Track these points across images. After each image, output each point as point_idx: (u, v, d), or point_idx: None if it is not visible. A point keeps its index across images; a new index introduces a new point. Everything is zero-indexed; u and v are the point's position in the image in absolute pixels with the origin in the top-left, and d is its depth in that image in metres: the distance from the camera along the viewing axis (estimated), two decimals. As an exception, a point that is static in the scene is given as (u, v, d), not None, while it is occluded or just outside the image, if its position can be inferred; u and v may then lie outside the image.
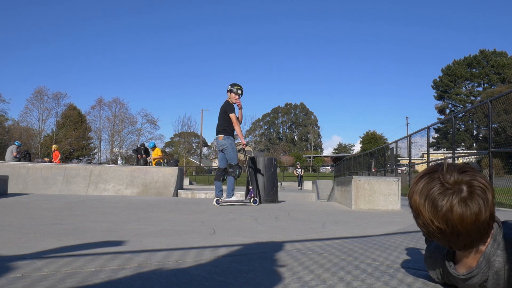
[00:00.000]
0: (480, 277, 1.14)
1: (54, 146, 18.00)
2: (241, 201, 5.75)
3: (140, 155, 15.05)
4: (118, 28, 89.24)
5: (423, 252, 1.94)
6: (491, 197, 1.07)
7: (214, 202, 5.54)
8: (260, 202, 6.03)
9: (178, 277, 1.36)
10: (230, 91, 5.83)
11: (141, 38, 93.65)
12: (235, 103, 5.79)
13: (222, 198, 5.63)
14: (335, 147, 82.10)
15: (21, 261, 1.57)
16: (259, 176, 6.34)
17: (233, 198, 5.64)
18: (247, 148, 6.13)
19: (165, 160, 19.29)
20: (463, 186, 1.07)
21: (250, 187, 5.90)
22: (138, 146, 16.74)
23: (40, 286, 1.22)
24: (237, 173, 5.65)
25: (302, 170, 27.14)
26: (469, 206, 1.05)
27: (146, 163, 14.64)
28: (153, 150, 15.33)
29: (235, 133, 5.80)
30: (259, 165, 6.39)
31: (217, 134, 5.80)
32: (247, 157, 6.14)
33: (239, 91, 5.83)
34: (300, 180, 25.27)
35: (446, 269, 1.25)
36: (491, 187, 1.09)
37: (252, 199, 5.68)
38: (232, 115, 5.67)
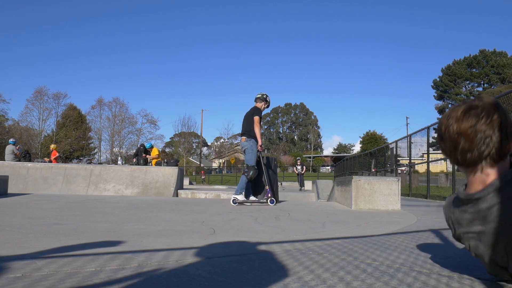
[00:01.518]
0: (489, 203, 1.13)
1: (52, 146, 17.99)
2: (258, 201, 5.83)
3: (140, 156, 15.04)
4: (118, 28, 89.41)
5: (423, 252, 1.94)
6: (498, 119, 1.10)
7: (231, 202, 5.68)
8: (277, 202, 6.10)
9: (178, 277, 1.37)
10: (259, 99, 6.20)
11: (141, 38, 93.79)
12: (263, 111, 6.15)
13: (239, 197, 5.73)
14: (335, 147, 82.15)
15: (21, 261, 1.57)
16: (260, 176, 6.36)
17: (238, 196, 5.74)
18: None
19: (165, 160, 19.30)
20: (478, 104, 1.14)
21: (267, 187, 5.97)
22: (138, 146, 16.76)
23: (40, 286, 1.22)
24: (251, 174, 5.79)
25: (304, 167, 23.31)
26: (469, 117, 1.12)
27: (146, 163, 14.64)
28: (151, 150, 15.33)
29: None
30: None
31: (241, 136, 6.12)
32: (263, 158, 6.24)
33: (268, 99, 6.22)
34: (300, 179, 21.79)
35: (456, 215, 1.25)
36: (505, 113, 1.12)
37: (269, 199, 5.74)
38: (256, 118, 5.94)
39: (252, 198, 5.90)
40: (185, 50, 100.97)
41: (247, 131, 5.97)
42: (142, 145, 15.97)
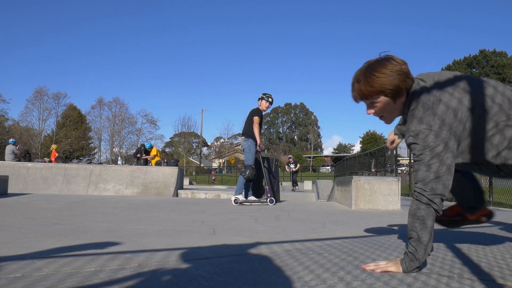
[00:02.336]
0: None
1: (53, 146, 17.99)
2: (258, 201, 5.89)
3: (140, 155, 15.06)
4: (118, 28, 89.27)
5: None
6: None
7: (232, 202, 5.73)
8: (277, 201, 6.16)
9: (178, 277, 1.37)
10: (262, 98, 6.23)
11: (141, 38, 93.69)
12: (264, 111, 6.24)
13: (240, 197, 5.78)
14: (335, 147, 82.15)
15: (21, 261, 1.57)
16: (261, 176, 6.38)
17: (239, 196, 5.77)
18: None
19: (165, 160, 19.28)
20: None
21: (267, 187, 6.03)
22: (138, 146, 16.74)
23: (40, 286, 1.22)
24: (247, 173, 5.81)
25: (298, 165, 20.69)
26: None
27: (146, 163, 14.65)
28: (150, 151, 15.34)
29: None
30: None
31: (241, 135, 6.26)
32: (262, 157, 6.34)
33: (270, 99, 6.25)
34: (293, 178, 19.34)
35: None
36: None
37: (269, 198, 5.79)
38: (255, 118, 6.01)
39: (251, 197, 5.93)
40: (185, 50, 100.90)
41: (246, 131, 6.06)
42: (143, 145, 15.96)
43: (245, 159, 5.99)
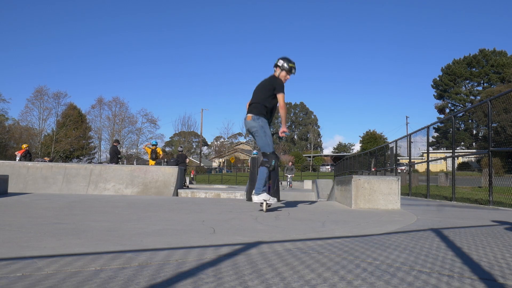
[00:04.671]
0: None
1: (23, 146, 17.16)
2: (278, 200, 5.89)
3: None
4: (118, 28, 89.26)
5: (424, 251, 1.94)
6: None
7: (263, 207, 4.27)
8: (278, 201, 6.14)
9: (179, 277, 1.37)
10: (282, 67, 4.53)
11: (141, 38, 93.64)
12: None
13: (269, 198, 4.28)
14: (335, 146, 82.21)
15: (21, 261, 1.57)
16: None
17: (263, 196, 4.26)
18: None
19: (165, 160, 19.27)
20: None
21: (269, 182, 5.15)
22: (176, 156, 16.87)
23: (41, 286, 1.22)
24: (273, 164, 4.30)
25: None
26: None
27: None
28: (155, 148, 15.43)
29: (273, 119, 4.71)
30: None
31: (248, 113, 4.42)
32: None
33: (293, 70, 4.60)
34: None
35: None
36: None
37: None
38: (281, 96, 4.37)
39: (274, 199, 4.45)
40: (185, 50, 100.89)
41: (256, 107, 4.37)
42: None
43: (261, 145, 4.37)
